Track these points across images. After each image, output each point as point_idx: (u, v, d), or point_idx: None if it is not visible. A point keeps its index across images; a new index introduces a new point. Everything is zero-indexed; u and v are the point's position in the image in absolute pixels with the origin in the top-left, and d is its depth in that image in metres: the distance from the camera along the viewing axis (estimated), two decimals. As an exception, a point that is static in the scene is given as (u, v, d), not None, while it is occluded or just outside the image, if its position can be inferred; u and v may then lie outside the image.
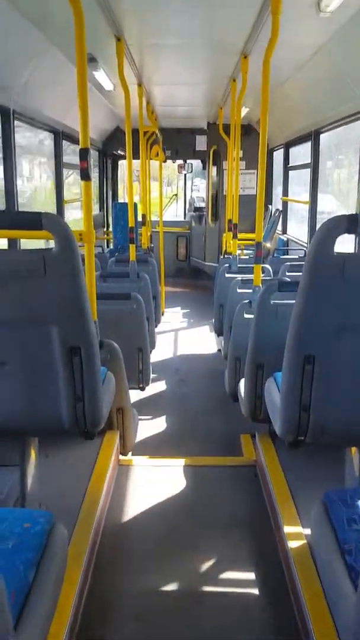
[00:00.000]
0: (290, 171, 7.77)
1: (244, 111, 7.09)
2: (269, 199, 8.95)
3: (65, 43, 3.97)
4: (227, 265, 5.65)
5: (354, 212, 3.45)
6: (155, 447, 3.86)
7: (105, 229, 9.58)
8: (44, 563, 1.59)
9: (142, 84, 5.84)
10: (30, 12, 3.47)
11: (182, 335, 7.14)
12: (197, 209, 10.88)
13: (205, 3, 3.49)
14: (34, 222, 1.87)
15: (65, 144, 6.13)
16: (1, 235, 3.31)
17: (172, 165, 11.22)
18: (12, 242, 4.45)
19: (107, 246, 9.34)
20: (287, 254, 7.11)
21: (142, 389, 4.22)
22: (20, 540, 1.62)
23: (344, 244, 4.81)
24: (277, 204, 8.76)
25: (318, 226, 2.09)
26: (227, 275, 5.43)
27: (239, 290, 4.48)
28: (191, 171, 11.33)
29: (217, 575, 2.51)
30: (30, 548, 1.60)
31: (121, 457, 3.50)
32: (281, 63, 4.50)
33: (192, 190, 13.75)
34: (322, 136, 5.90)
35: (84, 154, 2.86)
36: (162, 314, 7.55)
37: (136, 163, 8.45)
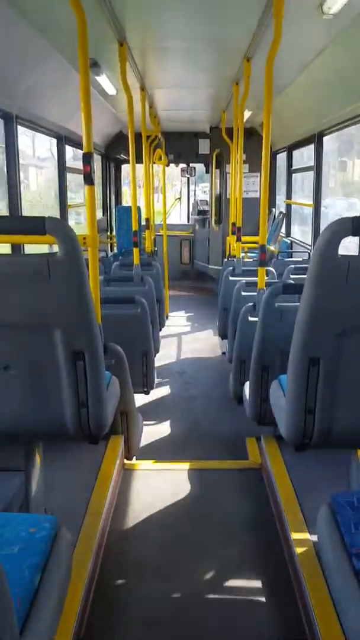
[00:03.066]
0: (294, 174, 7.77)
1: (247, 114, 7.09)
2: (272, 202, 8.95)
3: (69, 48, 3.98)
4: (231, 268, 5.65)
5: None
6: (160, 451, 3.85)
7: (108, 233, 9.59)
8: (49, 568, 1.59)
9: (145, 88, 5.85)
10: (34, 19, 3.49)
11: (187, 339, 7.13)
12: (200, 212, 10.89)
13: (207, 7, 3.49)
14: (37, 226, 1.87)
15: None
16: (5, 240, 3.32)
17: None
18: (16, 247, 4.46)
19: (111, 250, 9.36)
20: (291, 257, 7.10)
21: (147, 392, 4.22)
22: (25, 545, 1.61)
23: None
24: (280, 206, 8.76)
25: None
26: (231, 278, 5.42)
27: (243, 293, 4.47)
28: (194, 175, 11.34)
29: (223, 580, 2.49)
30: (35, 553, 1.59)
31: (126, 461, 3.49)
32: (284, 66, 4.50)
33: (194, 195, 13.76)
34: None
35: (87, 158, 2.86)
36: (167, 318, 7.55)
37: (139, 167, 8.48)
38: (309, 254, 6.53)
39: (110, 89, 5.60)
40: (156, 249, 7.85)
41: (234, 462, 3.61)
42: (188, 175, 11.22)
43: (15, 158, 4.40)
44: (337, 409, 2.05)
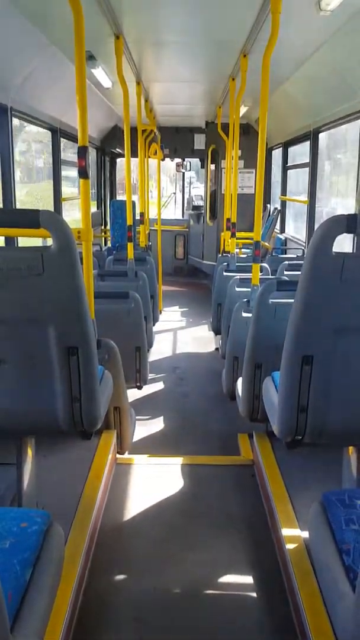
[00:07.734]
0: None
1: (243, 110, 7.07)
2: (267, 198, 8.95)
3: (64, 41, 3.95)
4: (225, 264, 5.64)
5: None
6: (153, 446, 3.85)
7: (103, 227, 9.56)
8: (40, 563, 1.59)
9: (141, 82, 5.82)
10: (30, 11, 3.46)
11: (180, 334, 7.13)
12: (195, 208, 10.87)
13: (205, 1, 3.47)
14: (31, 220, 1.86)
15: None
16: None
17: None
18: (9, 240, 4.43)
19: (105, 244, 9.33)
20: (286, 253, 7.10)
21: (140, 388, 4.22)
22: (17, 539, 1.61)
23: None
24: (275, 202, 8.76)
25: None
26: (225, 274, 5.42)
27: (237, 289, 4.47)
28: (189, 169, 11.31)
29: (214, 575, 2.50)
30: (27, 548, 1.59)
31: (118, 456, 3.49)
32: (281, 62, 4.49)
33: (189, 191, 13.73)
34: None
35: (82, 152, 2.85)
36: (160, 313, 7.54)
37: (134, 161, 8.45)
38: (303, 250, 6.54)
39: (106, 82, 5.57)
40: (150, 243, 7.83)
41: (226, 457, 3.62)
42: (183, 170, 11.19)
43: (10, 150, 4.37)
44: (330, 407, 2.06)
